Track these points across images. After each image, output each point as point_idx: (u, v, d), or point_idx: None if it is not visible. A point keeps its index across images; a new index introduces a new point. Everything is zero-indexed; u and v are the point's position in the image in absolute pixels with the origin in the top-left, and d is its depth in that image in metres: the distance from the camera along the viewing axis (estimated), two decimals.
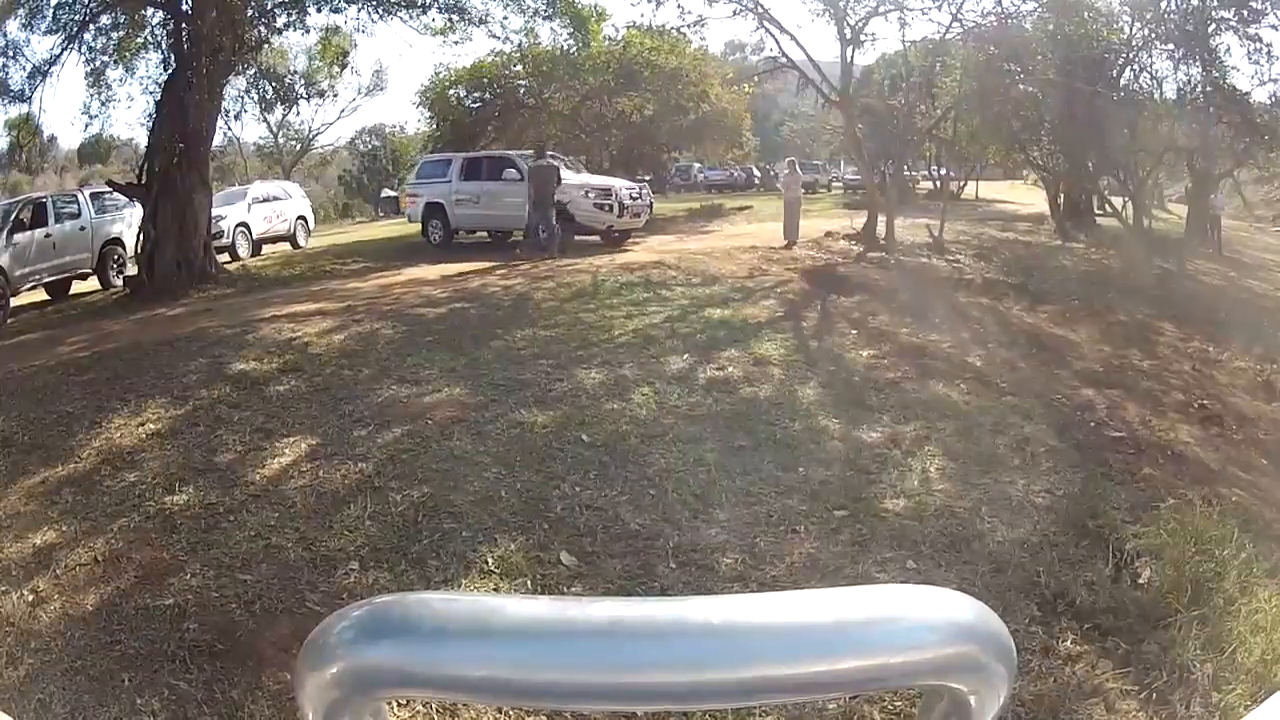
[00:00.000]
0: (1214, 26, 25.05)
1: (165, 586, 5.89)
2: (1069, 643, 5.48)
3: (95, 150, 36.92)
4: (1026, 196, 38.61)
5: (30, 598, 5.91)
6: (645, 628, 0.62)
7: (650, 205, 22.98)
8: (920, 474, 7.60)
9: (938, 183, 40.46)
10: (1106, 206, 30.30)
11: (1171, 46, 25.70)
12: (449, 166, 23.49)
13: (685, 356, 10.39)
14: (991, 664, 0.64)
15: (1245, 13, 24.45)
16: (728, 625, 0.62)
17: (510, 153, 23.60)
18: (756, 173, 38.37)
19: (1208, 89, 25.67)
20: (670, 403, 8.92)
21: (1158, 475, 8.08)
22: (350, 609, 0.64)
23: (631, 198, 21.47)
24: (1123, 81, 26.42)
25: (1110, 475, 7.92)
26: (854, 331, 12.21)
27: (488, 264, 16.94)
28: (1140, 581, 6.18)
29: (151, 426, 8.56)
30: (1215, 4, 24.77)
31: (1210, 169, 28.73)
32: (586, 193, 20.87)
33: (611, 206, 20.79)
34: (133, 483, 7.40)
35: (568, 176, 20.99)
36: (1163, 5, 25.22)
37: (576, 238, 20.31)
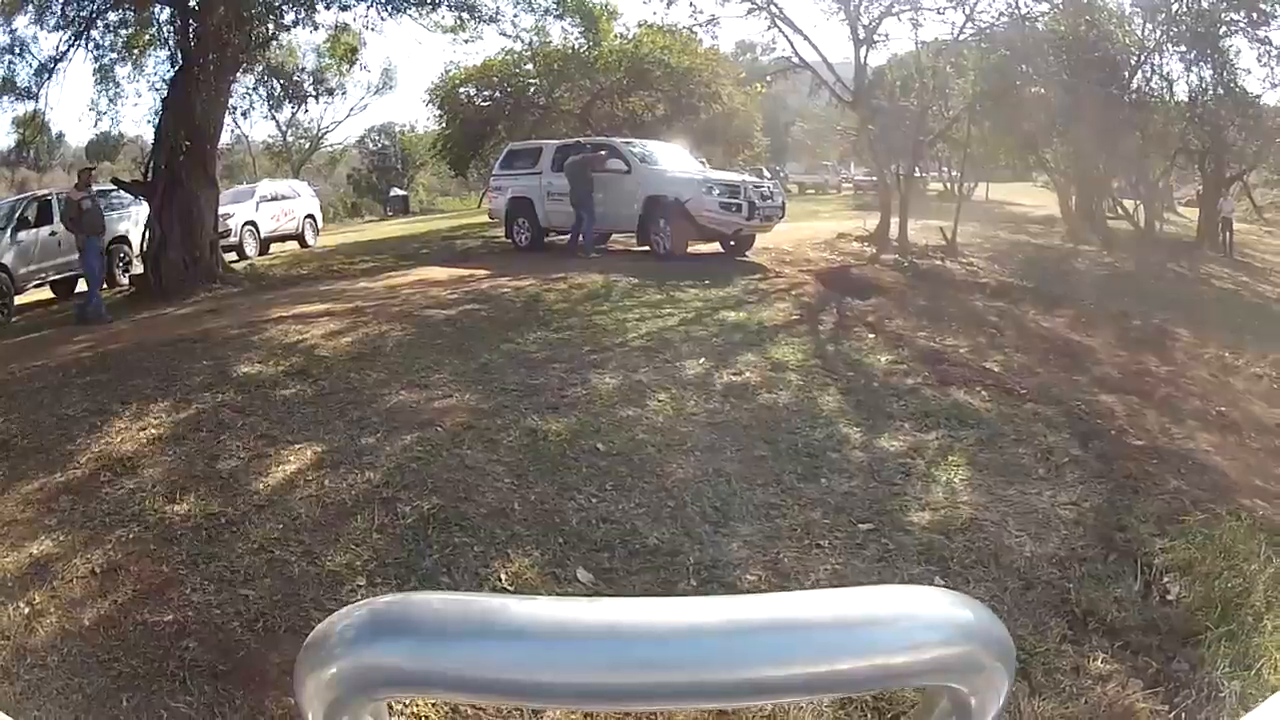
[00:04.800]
0: (1224, 29, 25.09)
1: (165, 602, 5.70)
2: (1099, 661, 5.36)
3: (103, 148, 37.02)
4: (1037, 199, 38.78)
5: (26, 611, 5.74)
6: (645, 628, 0.62)
7: (783, 206, 19.24)
8: (945, 485, 7.46)
9: (948, 184, 40.66)
10: (1118, 209, 30.36)
11: (1183, 49, 25.73)
12: (539, 155, 20.26)
13: (701, 361, 10.22)
14: (991, 664, 0.65)
15: (1255, 15, 24.50)
16: (728, 625, 0.62)
17: (616, 140, 20.17)
18: (767, 174, 38.24)
19: (1219, 92, 25.72)
20: (687, 409, 8.74)
21: (1183, 487, 7.92)
22: (350, 609, 0.65)
23: (762, 197, 17.94)
24: (1134, 84, 26.44)
25: (1135, 487, 7.76)
26: (871, 335, 12.08)
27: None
28: (1169, 598, 6.08)
29: (153, 431, 8.38)
30: (1225, 6, 24.76)
31: (1222, 172, 28.82)
32: (710, 189, 17.45)
33: (739, 207, 17.28)
34: (133, 490, 7.20)
35: (687, 170, 19.04)
36: (1174, 7, 25.22)
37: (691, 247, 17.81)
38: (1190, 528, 6.83)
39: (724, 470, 7.40)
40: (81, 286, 18.08)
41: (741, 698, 0.66)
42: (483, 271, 16.44)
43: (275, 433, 8.22)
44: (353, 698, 0.62)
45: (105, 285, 15.57)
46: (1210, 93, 26.16)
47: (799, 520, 6.68)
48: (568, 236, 19.32)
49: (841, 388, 9.65)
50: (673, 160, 19.73)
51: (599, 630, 0.62)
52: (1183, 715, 4.96)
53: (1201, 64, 25.86)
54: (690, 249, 17.82)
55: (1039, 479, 7.73)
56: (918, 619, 0.64)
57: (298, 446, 7.87)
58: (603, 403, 8.83)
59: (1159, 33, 25.90)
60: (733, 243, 18.33)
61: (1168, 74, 27.03)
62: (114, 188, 18.98)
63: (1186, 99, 26.89)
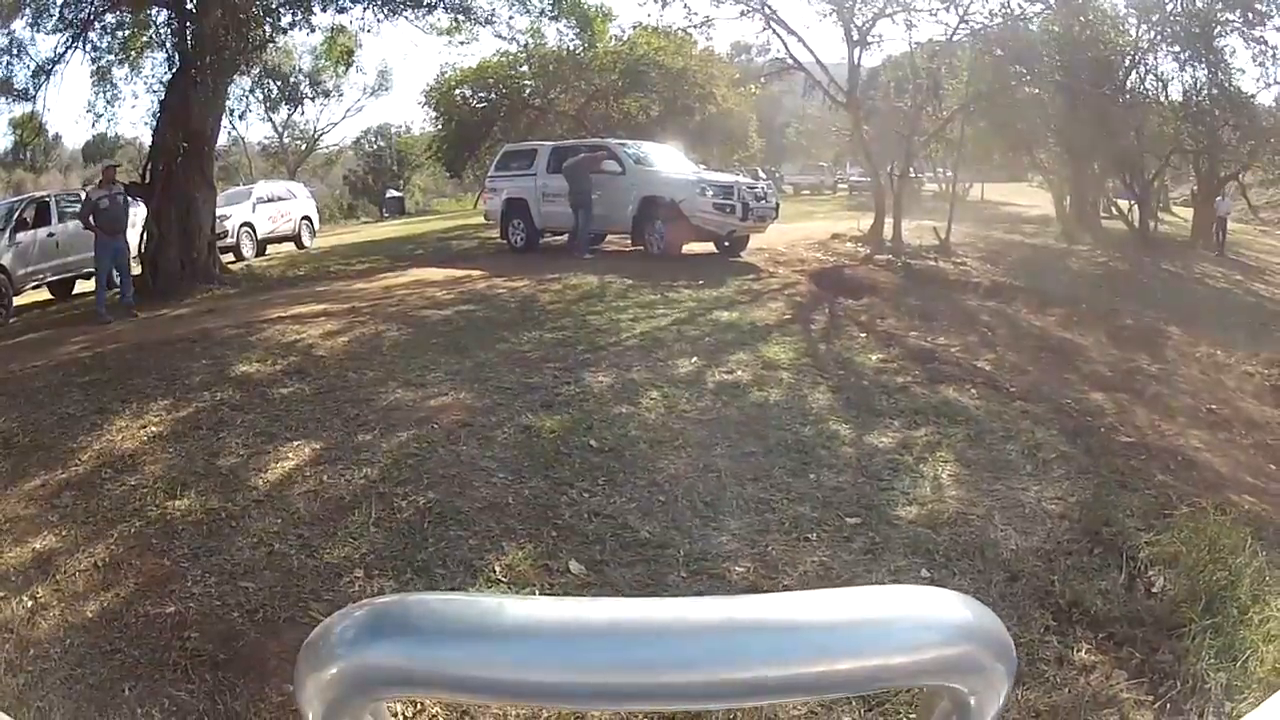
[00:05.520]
0: (1219, 29, 25.08)
1: (166, 594, 5.79)
2: (1084, 652, 5.42)
3: (100, 149, 36.99)
4: (1031, 199, 38.73)
5: (29, 604, 5.82)
6: (645, 628, 0.63)
7: (776, 207, 19.21)
8: (933, 480, 7.52)
9: (944, 185, 40.64)
10: (1113, 209, 30.38)
11: (1177, 49, 25.73)
12: (535, 157, 20.26)
13: (693, 360, 10.30)
14: (991, 664, 0.65)
15: (1250, 15, 24.49)
16: (728, 625, 0.63)
17: (610, 141, 20.09)
18: (762, 175, 38.11)
19: (1213, 91, 25.71)
20: (679, 407, 8.81)
21: (1170, 482, 8.00)
22: (350, 609, 0.65)
23: (756, 198, 18.00)
24: (1129, 84, 26.45)
25: (1123, 482, 7.83)
26: (863, 335, 12.15)
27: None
28: (1154, 590, 6.13)
29: (153, 429, 8.47)
30: (1220, 6, 24.76)
31: (1216, 171, 28.84)
32: (704, 189, 17.46)
33: (733, 208, 17.27)
34: (133, 487, 7.30)
35: (681, 171, 18.98)
36: (1168, 7, 25.22)
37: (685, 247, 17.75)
38: (1177, 522, 6.86)
39: (714, 466, 7.48)
40: (84, 286, 18.15)
41: (741, 698, 0.65)
42: (478, 272, 16.49)
43: (274, 430, 8.30)
44: (352, 698, 0.63)
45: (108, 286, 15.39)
46: (1205, 92, 26.17)
47: (788, 514, 6.74)
48: (565, 237, 19.40)
49: (832, 386, 9.70)
50: (667, 161, 19.72)
51: (599, 630, 0.62)
52: (1167, 706, 5.01)
53: (1196, 64, 25.86)
54: (684, 249, 17.83)
55: (1026, 475, 7.79)
56: (918, 619, 0.65)
57: (296, 443, 7.96)
58: (596, 400, 8.90)
59: (1153, 33, 25.91)
60: (727, 243, 18.30)
61: (1162, 74, 27.06)
62: None
63: (1181, 99, 26.91)
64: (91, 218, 14.96)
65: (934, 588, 0.67)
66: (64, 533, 6.67)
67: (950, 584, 5.88)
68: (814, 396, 9.37)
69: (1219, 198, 29.22)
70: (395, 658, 0.62)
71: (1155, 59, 26.70)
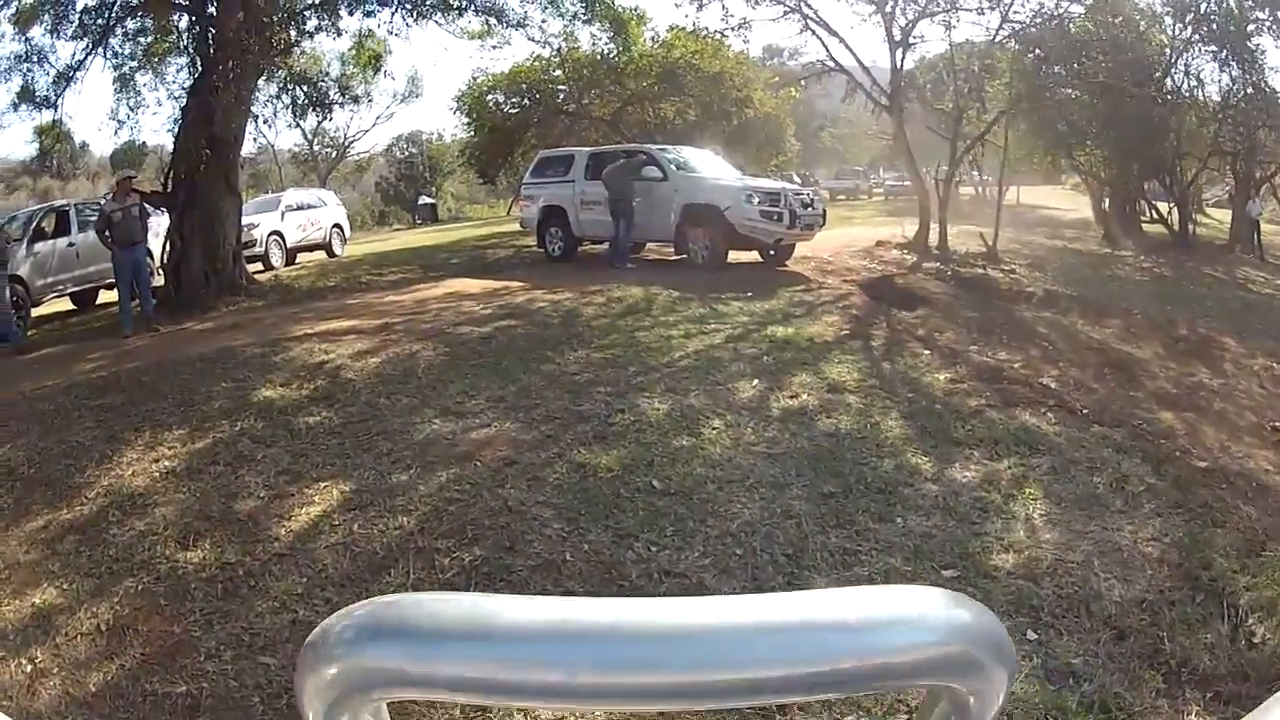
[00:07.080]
0: (1252, 27, 25.05)
1: (176, 669, 5.11)
2: (1194, 716, 4.90)
3: (127, 157, 37.11)
4: (1067, 201, 38.62)
5: (29, 669, 5.22)
6: (645, 628, 0.61)
7: (824, 215, 18.85)
8: (1024, 522, 6.82)
9: (979, 188, 40.50)
10: (1152, 212, 30.34)
11: (1214, 47, 25.70)
12: (572, 163, 20.00)
13: (754, 382, 9.60)
14: (991, 664, 0.63)
15: (1279, 14, 24.55)
16: (728, 625, 0.61)
17: (650, 147, 19.85)
18: (797, 180, 37.82)
19: (1249, 91, 25.67)
20: (746, 439, 8.08)
21: (1253, 513, 7.42)
22: (350, 609, 0.64)
23: (803, 205, 17.65)
24: (1167, 84, 26.35)
25: (1211, 517, 7.20)
26: (925, 351, 11.55)
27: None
28: (1255, 641, 5.56)
29: (166, 463, 7.83)
30: (1251, 4, 24.69)
31: (1253, 172, 28.93)
32: (750, 197, 17.06)
33: (780, 215, 16.96)
34: (142, 533, 6.63)
35: (725, 177, 18.67)
36: (1203, 6, 25.11)
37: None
38: (1269, 563, 6.39)
39: (792, 510, 6.73)
40: (107, 297, 17.94)
41: (741, 698, 0.62)
42: (516, 284, 16.06)
43: (298, 468, 7.63)
44: (352, 698, 0.61)
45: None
46: (1241, 92, 26.07)
47: (878, 567, 6.05)
48: (604, 245, 19.04)
49: (903, 411, 9.02)
50: (710, 167, 19.35)
51: (599, 630, 0.60)
52: None
53: (1232, 62, 25.78)
54: (728, 258, 17.49)
55: (1117, 511, 7.15)
56: (917, 619, 0.62)
57: (323, 485, 7.26)
58: (654, 431, 8.19)
59: (1189, 31, 25.78)
60: (772, 252, 17.98)
61: (1199, 73, 27.12)
62: None
63: (1219, 99, 26.88)
64: (106, 231, 14.49)
65: (933, 588, 0.65)
66: (66, 585, 6.06)
67: (1059, 646, 5.34)
68: (886, 424, 8.67)
69: (1250, 200, 29.41)
70: (395, 658, 0.60)
71: (1192, 58, 26.86)
